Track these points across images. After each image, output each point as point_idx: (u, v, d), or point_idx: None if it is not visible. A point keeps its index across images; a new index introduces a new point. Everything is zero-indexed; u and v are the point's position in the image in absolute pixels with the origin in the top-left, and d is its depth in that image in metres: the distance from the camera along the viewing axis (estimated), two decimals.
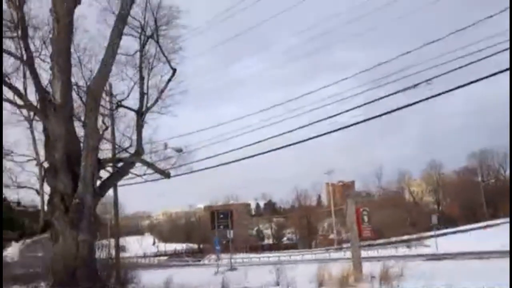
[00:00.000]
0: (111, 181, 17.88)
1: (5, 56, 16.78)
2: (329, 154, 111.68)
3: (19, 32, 17.30)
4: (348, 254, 40.36)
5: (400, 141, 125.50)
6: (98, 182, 17.01)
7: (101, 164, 16.90)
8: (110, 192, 21.24)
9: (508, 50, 11.28)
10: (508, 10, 11.75)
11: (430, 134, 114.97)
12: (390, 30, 78.10)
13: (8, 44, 17.17)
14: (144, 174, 20.22)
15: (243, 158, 18.20)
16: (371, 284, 11.30)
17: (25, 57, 17.18)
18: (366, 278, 12.17)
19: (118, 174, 18.14)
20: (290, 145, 16.89)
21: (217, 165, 19.11)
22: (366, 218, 13.61)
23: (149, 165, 18.13)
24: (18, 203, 20.68)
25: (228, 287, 14.40)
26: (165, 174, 17.95)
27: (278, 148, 17.13)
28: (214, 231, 30.42)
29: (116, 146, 20.84)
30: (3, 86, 16.71)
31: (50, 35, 17.35)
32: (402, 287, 10.79)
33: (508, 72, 11.77)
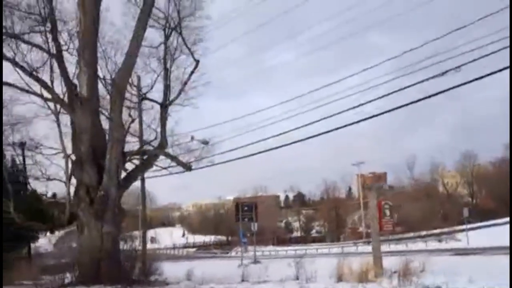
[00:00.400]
0: (136, 174, 18.09)
1: (32, 50, 17.14)
2: (360, 145, 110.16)
3: (47, 26, 17.74)
4: None
5: (434, 131, 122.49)
6: (123, 174, 17.33)
7: (125, 156, 17.12)
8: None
9: None
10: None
11: (465, 122, 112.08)
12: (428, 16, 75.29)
13: (35, 38, 17.51)
14: (169, 167, 20.30)
15: (266, 150, 17.88)
16: (390, 279, 11.08)
17: (54, 51, 17.56)
18: (386, 273, 11.93)
19: (142, 166, 18.36)
20: (312, 136, 16.54)
21: (239, 158, 18.95)
22: (387, 212, 13.32)
23: (172, 157, 18.27)
24: (46, 195, 21.26)
25: (247, 279, 14.42)
26: (187, 167, 18.05)
27: (301, 140, 16.76)
28: (244, 222, 30.46)
29: (137, 139, 21.06)
30: (30, 79, 17.19)
31: (77, 29, 17.68)
32: (420, 283, 10.53)
33: None
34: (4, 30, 17.05)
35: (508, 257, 18.12)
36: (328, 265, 14.21)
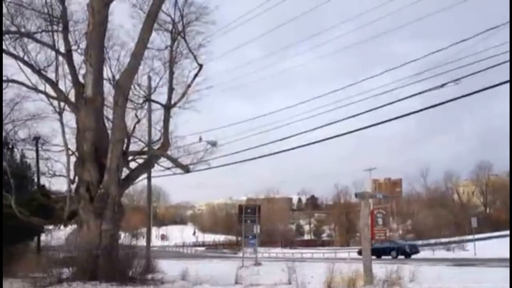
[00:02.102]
0: (137, 173, 18.39)
1: (38, 49, 17.60)
2: (374, 150, 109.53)
3: (57, 26, 18.20)
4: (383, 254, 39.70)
5: (450, 139, 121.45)
6: (125, 174, 17.66)
7: (127, 156, 17.43)
8: (157, 181, 22.00)
9: None
10: None
11: (483, 132, 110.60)
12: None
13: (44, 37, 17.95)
14: (173, 167, 20.58)
15: (276, 153, 17.92)
16: None
17: (63, 51, 17.99)
18: (378, 282, 11.97)
19: (144, 166, 18.68)
20: (322, 140, 16.46)
21: (247, 160, 19.09)
22: (380, 221, 13.33)
23: (171, 159, 18.56)
24: (50, 191, 21.79)
25: (241, 282, 14.59)
26: (185, 169, 18.32)
27: (311, 143, 16.75)
28: (248, 224, 30.63)
29: (144, 139, 21.40)
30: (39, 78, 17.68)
31: (86, 30, 18.06)
32: None
33: None
34: (16, 29, 17.60)
35: (505, 269, 18.02)
36: (326, 270, 14.26)
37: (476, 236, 39.32)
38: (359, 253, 44.78)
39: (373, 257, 40.06)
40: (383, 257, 34.57)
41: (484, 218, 65.80)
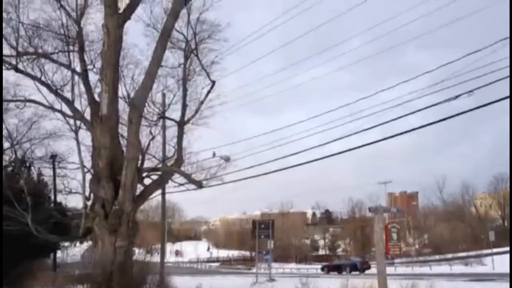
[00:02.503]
0: (151, 189, 18.57)
1: (55, 68, 18.07)
2: (390, 163, 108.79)
3: (73, 46, 18.69)
4: (399, 269, 39.28)
5: (467, 151, 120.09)
6: (140, 190, 17.86)
7: (141, 172, 17.65)
8: (172, 197, 22.11)
9: None
10: None
11: (500, 144, 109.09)
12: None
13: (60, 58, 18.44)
14: (186, 183, 20.69)
15: (289, 167, 17.89)
16: None
17: (79, 70, 18.43)
18: None
19: (157, 182, 18.87)
20: (333, 155, 16.40)
21: (260, 175, 19.12)
22: (394, 236, 13.22)
23: (184, 174, 18.71)
24: (67, 208, 22.12)
25: None
26: (198, 184, 18.46)
27: (324, 157, 16.72)
28: (262, 239, 30.57)
29: (158, 156, 21.60)
30: (56, 97, 18.11)
31: (100, 50, 18.49)
32: None
33: None
34: (33, 50, 18.10)
35: None
36: (340, 285, 14.19)
37: (494, 250, 38.66)
38: (322, 269, 46.11)
39: (335, 272, 41.99)
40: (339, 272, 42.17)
41: (502, 232, 64.53)
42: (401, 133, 15.03)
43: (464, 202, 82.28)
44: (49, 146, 23.61)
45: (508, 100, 11.75)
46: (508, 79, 11.28)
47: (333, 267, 45.65)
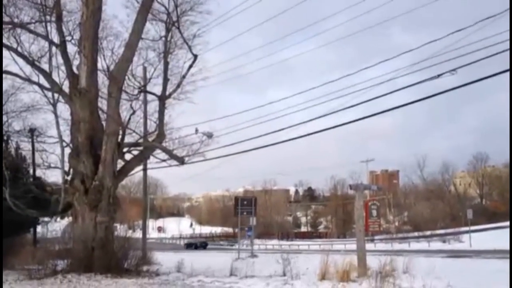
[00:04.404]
0: (132, 165, 18.30)
1: (32, 39, 17.42)
2: (372, 142, 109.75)
3: (51, 16, 17.99)
4: (379, 246, 39.98)
5: (448, 131, 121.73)
6: (120, 166, 17.58)
7: (122, 148, 17.34)
8: (154, 173, 21.86)
9: None
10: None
11: (480, 124, 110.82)
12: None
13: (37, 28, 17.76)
14: (168, 159, 20.45)
15: (272, 144, 17.74)
16: (371, 280, 11.12)
17: (57, 41, 17.80)
18: (372, 274, 11.98)
19: (138, 158, 18.58)
20: (318, 131, 16.25)
21: (243, 151, 18.99)
22: (374, 213, 13.30)
23: (165, 150, 18.46)
24: (44, 183, 21.74)
25: (235, 274, 14.58)
26: (180, 160, 18.25)
27: (307, 135, 16.59)
28: (244, 216, 30.62)
29: (139, 131, 21.27)
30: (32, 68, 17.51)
31: (79, 20, 17.88)
32: (397, 284, 10.59)
33: None
34: (9, 19, 17.39)
35: (501, 261, 18.12)
36: (321, 261, 14.23)
37: (472, 227, 39.45)
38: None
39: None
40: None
41: (480, 210, 66.02)
42: (384, 111, 15.05)
43: (444, 181, 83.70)
44: (26, 120, 23.03)
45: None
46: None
47: (188, 245, 60.97)
